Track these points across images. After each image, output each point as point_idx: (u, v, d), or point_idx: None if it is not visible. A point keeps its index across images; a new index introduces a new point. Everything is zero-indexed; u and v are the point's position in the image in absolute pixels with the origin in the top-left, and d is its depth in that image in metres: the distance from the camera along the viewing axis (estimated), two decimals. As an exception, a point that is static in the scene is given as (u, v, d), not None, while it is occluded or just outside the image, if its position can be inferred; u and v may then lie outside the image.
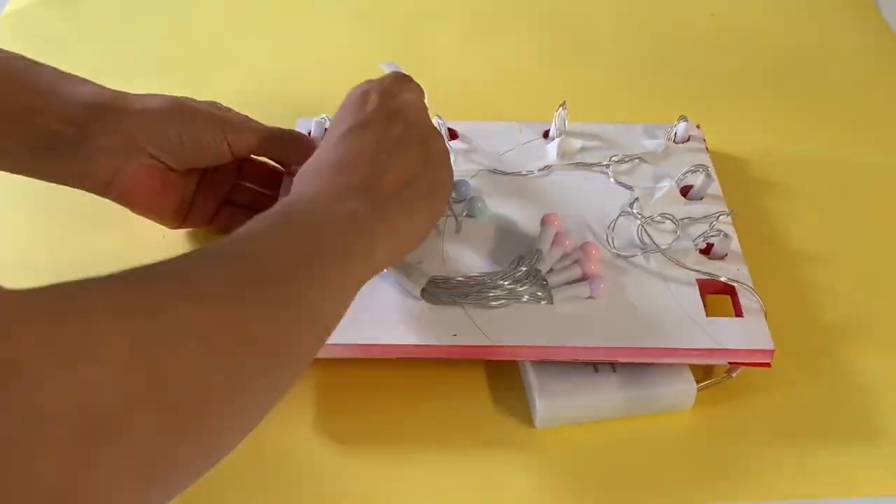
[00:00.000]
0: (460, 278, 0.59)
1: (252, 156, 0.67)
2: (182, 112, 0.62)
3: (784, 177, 0.74)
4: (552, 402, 0.56)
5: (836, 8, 0.95)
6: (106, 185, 0.62)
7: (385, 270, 0.60)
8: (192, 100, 0.64)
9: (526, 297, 0.58)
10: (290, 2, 0.96)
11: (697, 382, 0.57)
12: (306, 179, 0.53)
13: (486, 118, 0.74)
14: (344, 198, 0.50)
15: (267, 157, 0.67)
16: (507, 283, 0.59)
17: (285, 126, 0.68)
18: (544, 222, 0.62)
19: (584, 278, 0.60)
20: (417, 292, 0.58)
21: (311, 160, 0.54)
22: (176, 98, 0.63)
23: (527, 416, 0.57)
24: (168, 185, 0.64)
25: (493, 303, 0.58)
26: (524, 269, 0.59)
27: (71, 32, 0.90)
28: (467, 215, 0.65)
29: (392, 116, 0.55)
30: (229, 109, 0.67)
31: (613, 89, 0.84)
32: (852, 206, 0.73)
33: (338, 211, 0.49)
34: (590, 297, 0.59)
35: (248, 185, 0.69)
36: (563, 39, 0.91)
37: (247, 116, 0.66)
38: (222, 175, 0.67)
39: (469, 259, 0.62)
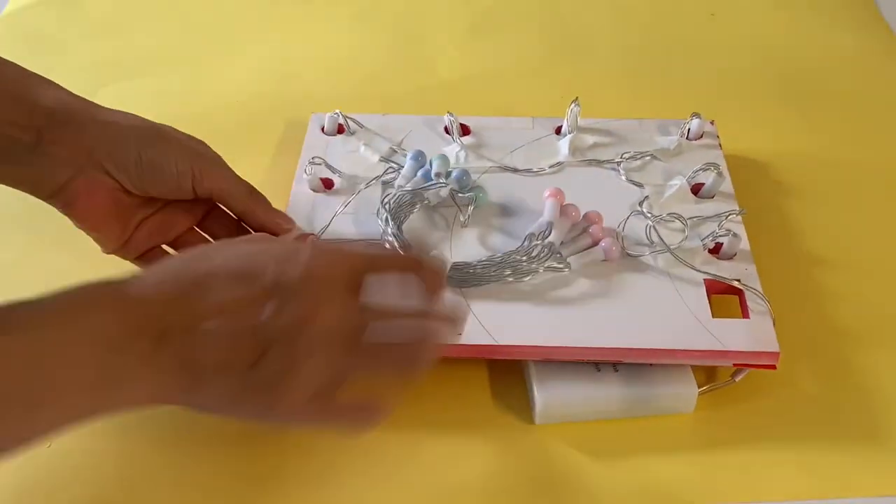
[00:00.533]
0: (479, 261, 0.60)
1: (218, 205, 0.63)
2: (150, 134, 0.59)
3: (791, 177, 0.74)
4: (552, 398, 0.56)
5: (836, 8, 0.95)
6: (53, 193, 0.59)
7: None
8: (172, 128, 0.60)
9: (542, 269, 0.59)
10: (291, 1, 0.95)
11: (700, 385, 0.57)
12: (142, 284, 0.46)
13: (496, 114, 0.74)
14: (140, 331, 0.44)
15: (231, 206, 0.62)
16: (523, 259, 0.60)
17: (297, 122, 0.67)
18: (548, 197, 0.63)
19: (594, 244, 0.61)
20: None
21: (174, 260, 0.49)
22: (152, 122, 0.60)
23: (527, 413, 0.57)
24: (119, 207, 0.60)
25: (510, 279, 0.59)
26: (538, 243, 0.60)
27: (71, 32, 0.90)
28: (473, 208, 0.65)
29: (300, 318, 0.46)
30: (210, 149, 0.62)
31: (615, 90, 0.84)
32: (861, 208, 0.72)
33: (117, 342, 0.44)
34: (605, 261, 0.61)
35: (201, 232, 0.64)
36: (565, 38, 0.90)
37: (223, 160, 0.62)
38: (179, 216, 0.63)
39: (474, 249, 0.62)
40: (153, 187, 0.60)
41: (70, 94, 0.59)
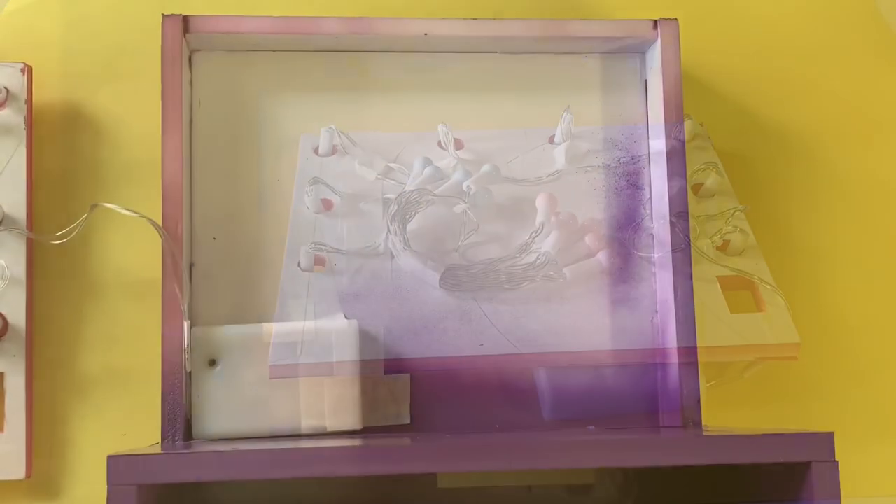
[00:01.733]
0: (476, 265, 0.61)
1: None
2: None
3: (787, 176, 0.74)
4: (558, 394, 0.57)
5: (836, 8, 0.96)
6: None
7: (401, 265, 0.61)
8: None
9: (539, 277, 0.60)
10: (290, 1, 0.95)
11: (708, 381, 0.57)
12: None
13: (489, 123, 0.74)
14: None
15: None
16: (519, 266, 0.60)
17: (290, 135, 0.67)
18: (540, 202, 0.64)
19: (591, 255, 0.61)
20: (436, 281, 0.59)
21: None
22: None
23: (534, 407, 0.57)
24: None
25: (507, 286, 0.59)
26: (534, 249, 0.61)
27: (71, 32, 0.90)
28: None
29: None
30: None
31: (612, 92, 0.84)
32: (854, 205, 0.73)
33: None
34: (603, 272, 0.61)
35: None
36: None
37: None
38: None
39: (473, 255, 0.63)
40: None
41: None
